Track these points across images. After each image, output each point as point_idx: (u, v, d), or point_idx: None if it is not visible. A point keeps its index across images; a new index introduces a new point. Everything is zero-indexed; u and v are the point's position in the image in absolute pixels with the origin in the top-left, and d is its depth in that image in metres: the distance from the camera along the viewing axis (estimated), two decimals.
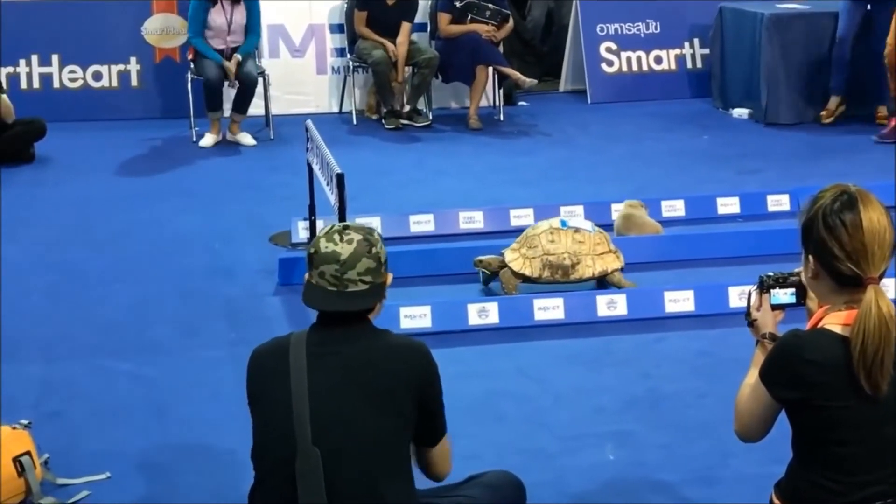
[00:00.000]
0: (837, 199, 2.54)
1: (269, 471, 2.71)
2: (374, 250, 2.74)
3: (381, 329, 2.82)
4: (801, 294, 2.83)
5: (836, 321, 2.54)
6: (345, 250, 2.71)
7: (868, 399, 2.48)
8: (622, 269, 5.44)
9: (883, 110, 8.85)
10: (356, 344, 2.73)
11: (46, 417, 4.17)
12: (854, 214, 2.51)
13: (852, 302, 2.53)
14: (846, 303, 2.55)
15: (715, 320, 5.08)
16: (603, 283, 5.44)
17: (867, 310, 2.46)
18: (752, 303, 2.88)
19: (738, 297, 5.10)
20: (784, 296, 2.85)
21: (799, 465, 2.63)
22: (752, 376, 2.68)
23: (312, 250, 2.75)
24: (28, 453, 3.55)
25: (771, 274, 2.87)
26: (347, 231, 2.75)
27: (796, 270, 2.85)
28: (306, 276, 2.77)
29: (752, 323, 2.86)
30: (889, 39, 8.18)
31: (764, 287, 2.86)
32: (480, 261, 5.48)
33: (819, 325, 2.57)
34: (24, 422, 3.70)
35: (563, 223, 5.45)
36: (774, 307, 2.84)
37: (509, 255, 5.38)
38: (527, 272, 5.31)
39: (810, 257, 2.60)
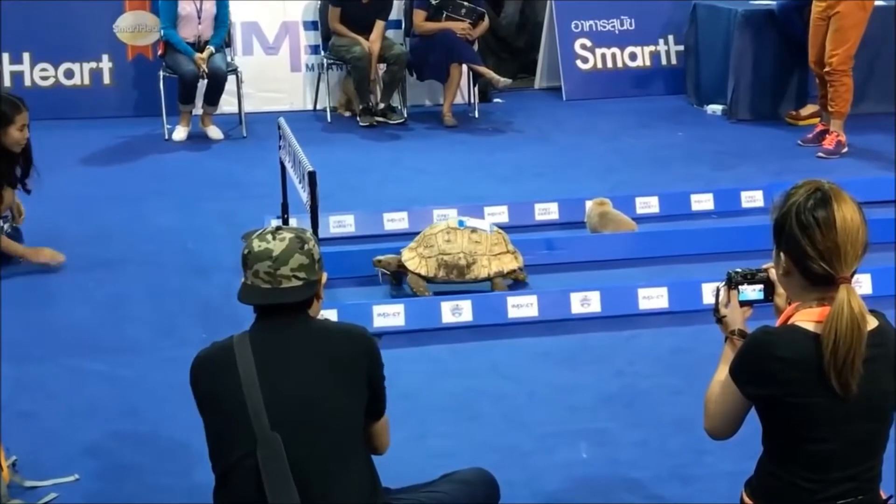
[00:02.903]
0: (811, 197, 2.51)
1: (231, 466, 2.71)
2: (306, 247, 2.80)
3: (319, 318, 2.90)
4: (769, 291, 2.84)
5: (807, 318, 2.52)
6: (277, 247, 2.77)
7: (838, 396, 2.47)
8: (522, 269, 5.45)
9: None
10: (299, 331, 2.79)
11: (16, 418, 4.13)
12: (827, 212, 2.48)
13: (824, 299, 2.51)
14: (817, 300, 2.53)
15: (689, 317, 5.08)
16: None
17: (839, 310, 2.44)
18: (720, 299, 2.88)
19: (711, 293, 5.07)
20: (752, 292, 2.85)
21: (769, 463, 2.63)
22: (722, 373, 2.67)
23: (246, 251, 2.80)
24: None
25: (739, 270, 2.88)
26: (280, 231, 2.83)
27: (764, 267, 2.85)
28: (242, 278, 2.82)
29: (720, 319, 2.87)
30: (811, 48, 8.21)
31: (732, 283, 2.87)
32: (379, 260, 5.46)
33: (790, 322, 2.55)
34: None
35: (461, 223, 5.46)
36: (742, 304, 2.84)
37: (406, 255, 5.38)
38: (422, 271, 5.31)
39: (782, 254, 2.58)
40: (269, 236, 2.80)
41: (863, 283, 5.10)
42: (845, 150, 8.05)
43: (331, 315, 4.84)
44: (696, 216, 6.58)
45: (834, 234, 2.47)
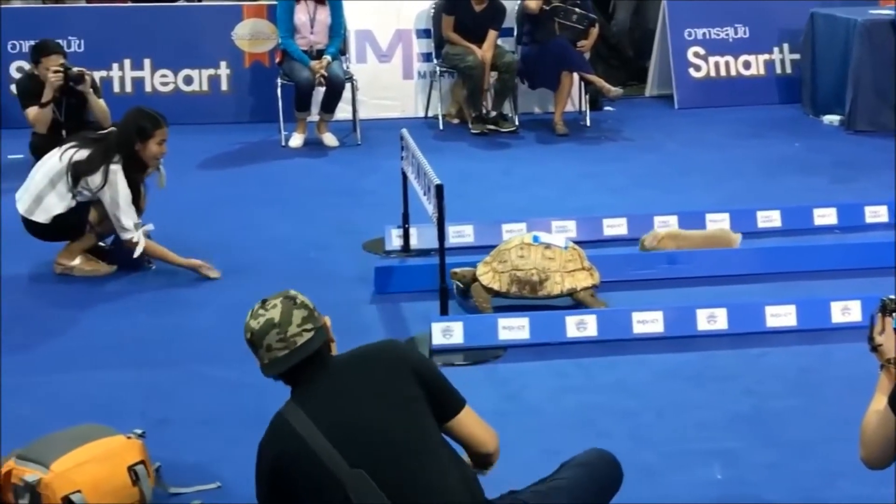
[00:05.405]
0: None
1: None
2: (298, 300, 2.89)
3: (340, 353, 2.97)
4: None
5: None
6: (274, 314, 2.85)
7: None
8: (596, 287, 5.37)
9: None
10: (332, 370, 2.86)
11: (154, 425, 4.21)
12: None
13: None
14: None
15: (817, 335, 5.01)
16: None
17: None
18: (875, 327, 2.84)
19: (840, 312, 5.03)
20: None
21: None
22: (879, 402, 2.65)
23: (248, 335, 2.88)
24: (142, 462, 3.60)
25: (893, 297, 2.84)
26: (266, 301, 2.89)
27: None
28: (258, 363, 2.89)
29: (875, 348, 2.82)
30: None
31: (887, 311, 2.82)
32: (455, 273, 5.45)
33: None
34: (139, 431, 3.75)
35: (536, 238, 5.42)
36: None
37: (481, 269, 5.37)
38: (495, 286, 5.29)
39: None
40: (260, 311, 2.87)
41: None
42: None
43: (457, 327, 4.87)
44: (818, 231, 6.46)
45: None
